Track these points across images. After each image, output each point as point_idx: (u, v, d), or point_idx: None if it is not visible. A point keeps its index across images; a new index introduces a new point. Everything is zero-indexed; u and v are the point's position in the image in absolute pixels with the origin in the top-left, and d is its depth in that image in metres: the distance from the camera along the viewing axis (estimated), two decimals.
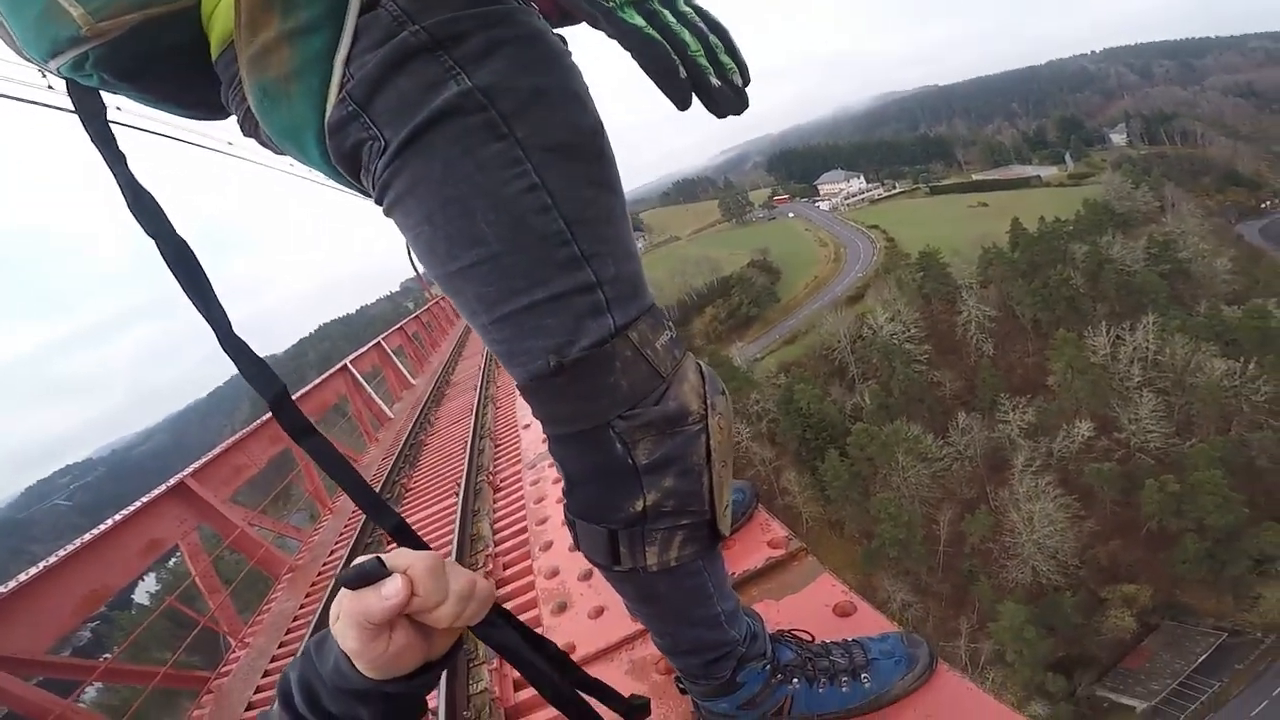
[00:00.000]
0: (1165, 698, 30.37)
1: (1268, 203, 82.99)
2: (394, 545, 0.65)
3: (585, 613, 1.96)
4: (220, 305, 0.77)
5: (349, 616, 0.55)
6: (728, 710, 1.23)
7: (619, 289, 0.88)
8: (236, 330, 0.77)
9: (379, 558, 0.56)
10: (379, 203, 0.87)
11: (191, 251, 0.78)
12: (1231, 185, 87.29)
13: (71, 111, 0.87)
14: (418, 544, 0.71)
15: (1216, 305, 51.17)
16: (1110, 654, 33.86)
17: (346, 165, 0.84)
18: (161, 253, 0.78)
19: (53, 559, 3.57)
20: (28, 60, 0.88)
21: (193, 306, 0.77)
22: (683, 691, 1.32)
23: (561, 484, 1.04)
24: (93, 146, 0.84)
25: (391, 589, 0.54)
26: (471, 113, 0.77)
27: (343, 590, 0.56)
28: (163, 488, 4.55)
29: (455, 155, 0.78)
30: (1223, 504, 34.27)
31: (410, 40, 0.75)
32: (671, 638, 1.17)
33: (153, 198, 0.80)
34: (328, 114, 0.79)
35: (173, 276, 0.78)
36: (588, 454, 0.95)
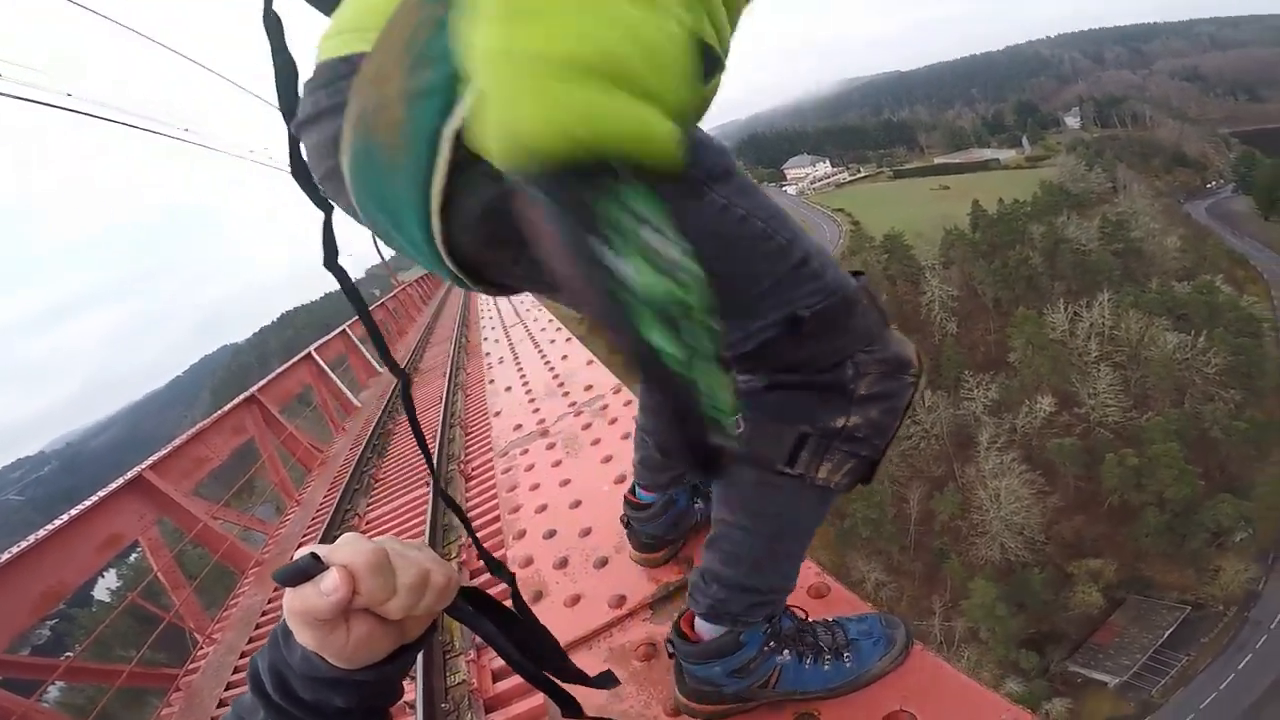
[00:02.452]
0: (1136, 672, 31.19)
1: (1213, 183, 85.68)
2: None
3: (561, 601, 1.94)
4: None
5: (293, 615, 0.54)
6: (718, 676, 1.24)
7: (824, 258, 0.97)
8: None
9: (314, 553, 0.54)
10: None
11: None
12: (1179, 166, 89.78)
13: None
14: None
15: (1167, 282, 52.93)
16: (1079, 629, 34.68)
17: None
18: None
19: (5, 556, 3.46)
20: None
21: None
22: (671, 655, 1.32)
23: (744, 380, 1.06)
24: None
25: (329, 584, 0.52)
26: None
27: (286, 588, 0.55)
28: (120, 481, 4.44)
29: None
30: (1180, 476, 35.43)
31: None
32: (752, 564, 1.17)
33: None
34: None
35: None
36: (812, 375, 1.01)
